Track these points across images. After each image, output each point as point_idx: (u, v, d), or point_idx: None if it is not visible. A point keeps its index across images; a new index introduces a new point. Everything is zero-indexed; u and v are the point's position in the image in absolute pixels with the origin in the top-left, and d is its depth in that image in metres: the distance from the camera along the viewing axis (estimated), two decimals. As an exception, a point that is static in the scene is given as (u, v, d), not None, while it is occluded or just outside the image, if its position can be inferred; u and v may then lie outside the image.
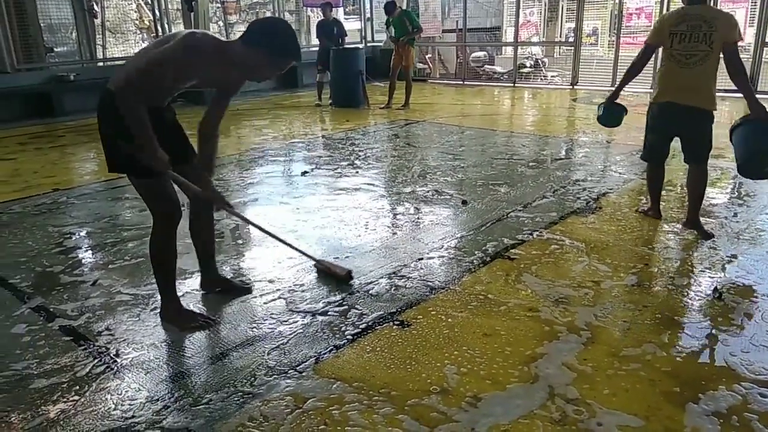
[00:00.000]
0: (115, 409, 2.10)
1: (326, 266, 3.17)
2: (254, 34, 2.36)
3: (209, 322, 2.69)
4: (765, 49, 9.24)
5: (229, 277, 3.12)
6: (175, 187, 2.56)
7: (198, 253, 2.93)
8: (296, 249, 3.25)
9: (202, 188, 2.64)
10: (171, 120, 2.62)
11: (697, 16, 3.46)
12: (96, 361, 2.41)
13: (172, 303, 2.69)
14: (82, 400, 2.16)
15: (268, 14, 14.88)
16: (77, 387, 2.24)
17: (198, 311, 2.80)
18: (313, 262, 3.23)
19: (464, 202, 4.33)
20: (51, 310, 2.87)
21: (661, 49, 3.68)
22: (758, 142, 3.38)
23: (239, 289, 3.00)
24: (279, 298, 2.93)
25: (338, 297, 2.91)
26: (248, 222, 3.23)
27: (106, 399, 2.16)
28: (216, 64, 2.38)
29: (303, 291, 2.99)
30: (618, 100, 4.09)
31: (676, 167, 5.27)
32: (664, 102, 3.62)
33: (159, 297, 2.72)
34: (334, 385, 2.20)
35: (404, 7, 9.91)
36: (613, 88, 4.06)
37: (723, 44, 3.41)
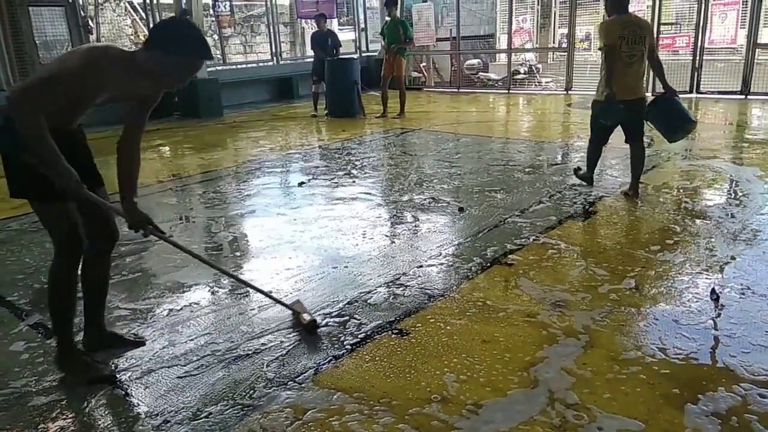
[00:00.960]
0: (114, 425, 2.10)
1: (294, 310, 2.82)
2: (159, 39, 2.19)
3: (110, 376, 2.41)
4: (757, 50, 9.30)
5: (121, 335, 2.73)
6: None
7: (86, 301, 2.55)
8: (250, 286, 2.95)
9: (126, 211, 2.36)
10: (82, 142, 2.40)
11: (633, 23, 4.28)
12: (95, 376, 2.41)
13: (69, 350, 2.42)
14: (82, 417, 2.15)
15: (263, 27, 14.94)
16: (76, 404, 2.23)
17: (91, 359, 2.51)
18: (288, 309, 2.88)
19: (461, 210, 4.34)
20: (49, 327, 2.85)
21: (603, 53, 4.31)
22: (679, 112, 4.39)
23: (130, 343, 2.65)
24: (278, 309, 2.93)
25: (336, 308, 2.91)
26: (180, 248, 2.74)
27: (106, 415, 2.16)
28: (123, 77, 2.19)
29: (302, 300, 2.99)
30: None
31: (672, 170, 5.30)
32: (621, 100, 4.23)
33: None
34: (334, 396, 2.20)
35: (399, 16, 9.96)
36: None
37: (649, 45, 4.29)
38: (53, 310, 2.36)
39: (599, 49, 4.40)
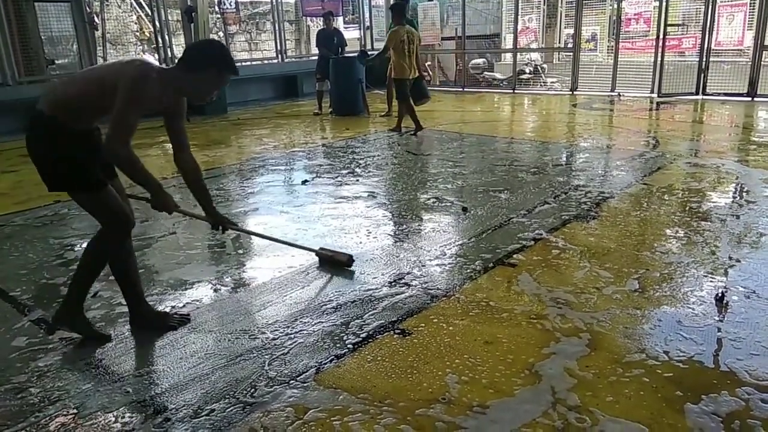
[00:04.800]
0: (115, 422, 2.10)
1: (328, 255, 3.40)
2: (196, 58, 2.48)
3: (103, 337, 2.64)
4: (764, 52, 9.25)
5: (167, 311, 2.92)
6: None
7: (123, 286, 2.73)
8: (290, 244, 3.47)
9: (210, 216, 2.86)
10: (98, 138, 2.51)
11: (409, 31, 7.54)
12: (96, 373, 2.41)
13: (80, 311, 2.62)
14: (83, 413, 2.15)
15: (268, 24, 14.95)
16: (77, 400, 2.23)
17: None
18: (314, 253, 3.43)
19: (465, 210, 4.33)
20: (51, 322, 2.86)
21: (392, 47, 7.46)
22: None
23: (176, 320, 2.79)
24: (280, 307, 2.93)
25: (339, 306, 2.90)
26: (256, 234, 3.56)
27: (107, 411, 2.16)
28: (162, 92, 2.41)
29: (304, 301, 2.98)
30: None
31: (677, 171, 5.28)
32: (411, 78, 7.53)
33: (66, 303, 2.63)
34: (335, 396, 2.19)
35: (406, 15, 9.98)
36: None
37: (418, 45, 7.59)
38: (85, 276, 2.57)
39: None
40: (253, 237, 4.10)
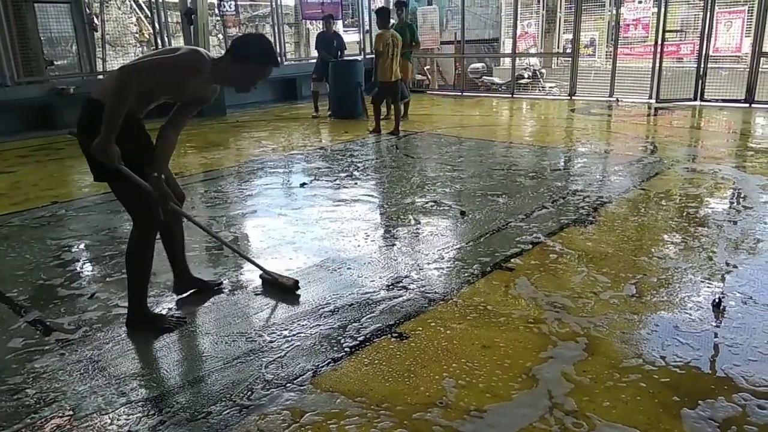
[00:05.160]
0: (111, 424, 2.09)
1: (273, 277, 3.19)
2: (243, 49, 2.67)
3: (180, 321, 2.80)
4: (762, 59, 9.28)
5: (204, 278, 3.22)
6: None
7: (170, 255, 3.02)
8: (242, 255, 3.35)
9: (153, 185, 2.59)
10: (145, 132, 2.69)
11: (392, 35, 7.79)
12: (92, 375, 2.40)
13: (144, 308, 2.76)
14: (79, 414, 2.15)
15: (268, 27, 14.97)
16: (73, 402, 2.22)
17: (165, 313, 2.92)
18: (259, 272, 3.25)
19: (463, 213, 4.33)
20: (48, 324, 2.86)
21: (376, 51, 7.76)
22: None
23: (211, 285, 3.16)
24: (277, 309, 2.92)
25: (336, 309, 2.90)
26: (197, 224, 3.14)
27: (103, 413, 2.15)
28: (208, 81, 2.66)
29: (302, 303, 2.98)
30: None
31: (675, 177, 5.29)
32: (393, 80, 7.77)
33: (127, 305, 2.77)
34: (332, 399, 2.19)
35: (406, 19, 10.01)
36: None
37: (401, 46, 7.89)
38: (136, 276, 2.70)
39: None
40: (252, 238, 4.10)
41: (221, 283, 3.22)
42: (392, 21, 9.32)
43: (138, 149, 2.57)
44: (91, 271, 3.61)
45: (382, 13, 8.25)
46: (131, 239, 2.69)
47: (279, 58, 2.71)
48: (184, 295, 3.09)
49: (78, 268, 3.65)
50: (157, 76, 2.49)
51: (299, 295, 3.07)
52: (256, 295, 3.11)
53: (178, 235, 3.00)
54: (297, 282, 3.14)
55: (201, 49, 2.62)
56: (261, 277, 3.25)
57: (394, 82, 7.82)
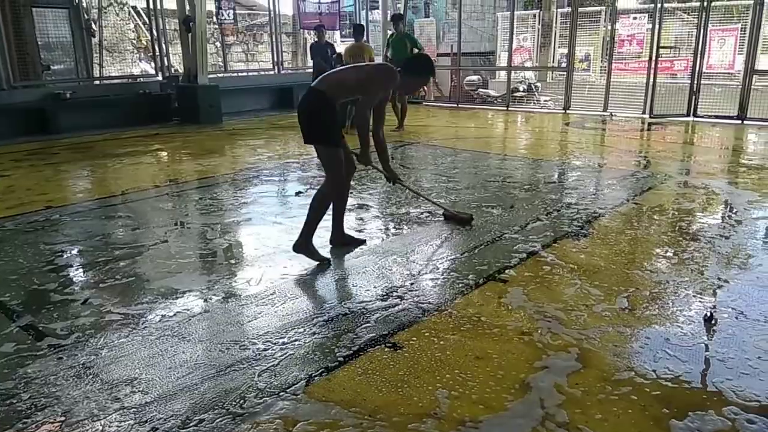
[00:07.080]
0: (102, 430, 2.08)
1: (452, 213, 4.46)
2: (414, 67, 3.77)
3: (325, 259, 3.66)
4: (754, 77, 9.39)
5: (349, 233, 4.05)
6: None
7: (334, 212, 3.84)
8: (433, 202, 4.64)
9: (385, 170, 4.05)
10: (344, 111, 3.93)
11: (359, 47, 8.68)
12: (85, 381, 2.39)
13: (310, 240, 3.63)
14: (70, 420, 2.14)
15: (266, 36, 15.04)
16: (65, 407, 2.21)
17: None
18: (442, 211, 4.51)
19: (471, 219, 4.48)
20: (40, 329, 2.85)
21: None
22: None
23: (357, 241, 4.00)
24: (271, 318, 2.92)
25: (330, 319, 2.90)
26: (419, 194, 4.75)
27: (95, 420, 2.14)
28: (393, 86, 3.74)
29: (296, 312, 2.98)
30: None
31: (667, 192, 5.33)
32: None
33: (299, 234, 3.63)
34: (326, 409, 2.19)
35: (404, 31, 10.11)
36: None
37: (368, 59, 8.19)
38: (317, 213, 3.64)
39: None
40: (246, 246, 4.10)
41: (364, 240, 4.00)
42: (390, 32, 9.44)
43: (335, 122, 3.57)
44: (84, 276, 3.60)
45: (356, 28, 9.14)
46: (325, 186, 3.69)
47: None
48: (337, 246, 3.88)
49: (71, 274, 3.64)
50: (376, 92, 3.57)
51: (473, 225, 4.28)
52: (250, 302, 3.11)
53: (345, 198, 3.85)
54: (472, 216, 4.42)
55: (391, 66, 3.84)
56: (443, 214, 4.49)
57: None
